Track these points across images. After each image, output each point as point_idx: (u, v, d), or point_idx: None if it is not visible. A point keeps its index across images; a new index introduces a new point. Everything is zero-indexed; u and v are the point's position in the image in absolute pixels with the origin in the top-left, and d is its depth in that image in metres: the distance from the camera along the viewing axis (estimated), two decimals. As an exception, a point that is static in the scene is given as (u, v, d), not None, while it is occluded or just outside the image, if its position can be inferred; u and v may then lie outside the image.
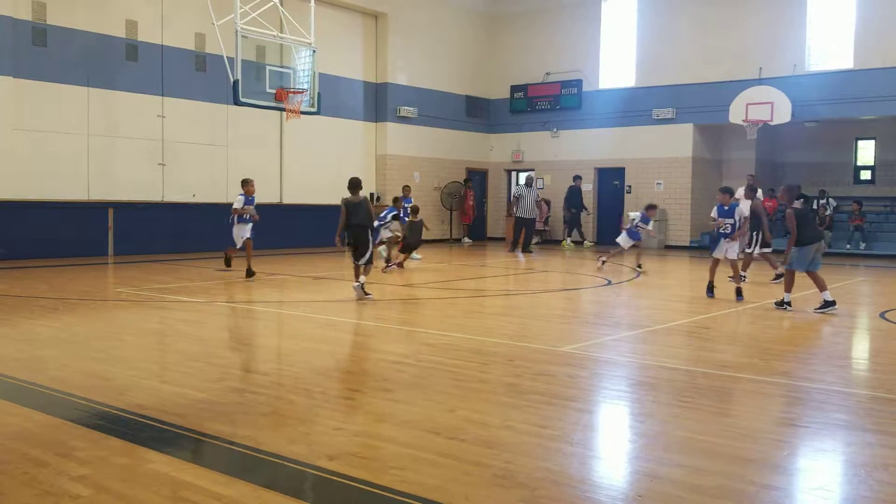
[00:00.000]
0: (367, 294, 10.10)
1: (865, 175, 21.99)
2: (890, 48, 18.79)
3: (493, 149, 25.89)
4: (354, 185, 10.56)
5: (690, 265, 17.50)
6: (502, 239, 25.15)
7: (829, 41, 20.25)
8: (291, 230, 19.80)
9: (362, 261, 10.15)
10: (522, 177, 27.16)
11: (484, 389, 5.60)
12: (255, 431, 4.45)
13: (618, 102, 23.05)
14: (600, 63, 23.70)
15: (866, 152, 22.04)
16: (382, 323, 8.67)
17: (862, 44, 19.37)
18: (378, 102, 22.65)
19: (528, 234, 19.75)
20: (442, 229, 24.20)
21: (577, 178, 22.66)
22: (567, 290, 12.24)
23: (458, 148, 24.78)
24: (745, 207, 11.34)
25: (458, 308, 9.90)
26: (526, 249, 19.49)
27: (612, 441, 4.69)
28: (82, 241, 16.25)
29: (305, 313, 9.38)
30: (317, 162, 20.94)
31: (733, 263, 10.85)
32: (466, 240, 24.08)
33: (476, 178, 25.30)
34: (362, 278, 10.16)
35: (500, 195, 26.19)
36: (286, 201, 20.25)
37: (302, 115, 15.81)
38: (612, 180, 23.44)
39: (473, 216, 24.40)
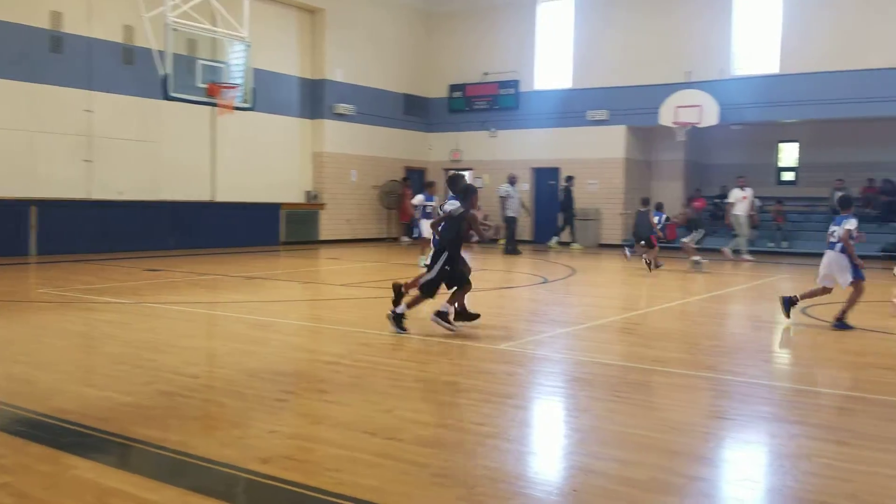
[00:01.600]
0: (452, 326, 7.57)
1: (788, 176, 22.78)
2: (813, 54, 19.49)
3: (431, 148, 25.90)
4: (450, 182, 8.12)
5: (623, 264, 17.84)
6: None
7: (756, 46, 20.90)
8: (224, 229, 19.43)
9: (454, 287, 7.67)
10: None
11: (422, 388, 5.59)
12: (186, 436, 4.34)
13: (554, 103, 23.33)
14: (536, 64, 23.95)
15: (789, 154, 22.84)
16: (318, 323, 8.57)
17: (787, 49, 20.05)
18: (314, 99, 22.39)
19: (511, 234, 19.48)
20: (380, 228, 24.09)
21: (570, 178, 22.54)
22: (503, 289, 12.33)
23: (397, 146, 24.71)
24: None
25: (395, 307, 9.85)
26: (514, 251, 19.03)
27: (549, 437, 4.74)
28: (1, 239, 15.59)
29: (238, 314, 9.20)
30: (250, 159, 20.56)
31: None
32: (405, 238, 23.99)
33: (414, 177, 25.28)
34: (447, 306, 7.64)
35: (439, 194, 26.14)
36: (219, 199, 19.85)
37: (235, 111, 15.51)
38: (548, 180, 23.71)
39: (411, 215, 24.34)
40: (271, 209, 21.10)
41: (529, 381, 6.07)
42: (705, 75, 20.80)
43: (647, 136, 23.12)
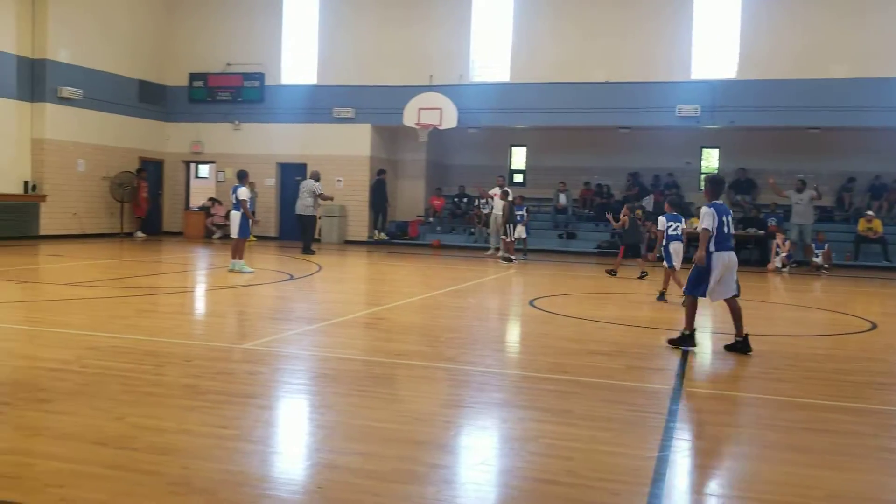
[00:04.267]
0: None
1: (518, 178, 24.66)
2: (540, 65, 21.24)
3: (169, 138, 24.45)
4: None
5: (368, 260, 18.19)
6: (179, 234, 23.93)
7: (491, 56, 22.30)
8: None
9: None
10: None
11: (158, 393, 5.29)
12: None
13: (300, 99, 23.13)
14: (282, 58, 23.59)
15: (519, 157, 24.73)
16: (37, 326, 7.76)
17: (517, 60, 21.66)
18: (35, 80, 20.10)
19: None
20: (112, 223, 22.30)
21: (382, 171, 22.21)
22: (248, 286, 12.01)
23: (131, 136, 22.98)
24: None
25: (130, 307, 9.22)
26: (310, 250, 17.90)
27: (293, 435, 4.72)
28: None
29: (-63, 319, 8.05)
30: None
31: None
32: (139, 234, 22.45)
33: (151, 169, 23.72)
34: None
35: (178, 187, 24.85)
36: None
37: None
38: (294, 176, 23.44)
39: (147, 209, 22.84)
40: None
41: (273, 379, 5.99)
42: (446, 80, 21.83)
43: (391, 135, 23.75)
